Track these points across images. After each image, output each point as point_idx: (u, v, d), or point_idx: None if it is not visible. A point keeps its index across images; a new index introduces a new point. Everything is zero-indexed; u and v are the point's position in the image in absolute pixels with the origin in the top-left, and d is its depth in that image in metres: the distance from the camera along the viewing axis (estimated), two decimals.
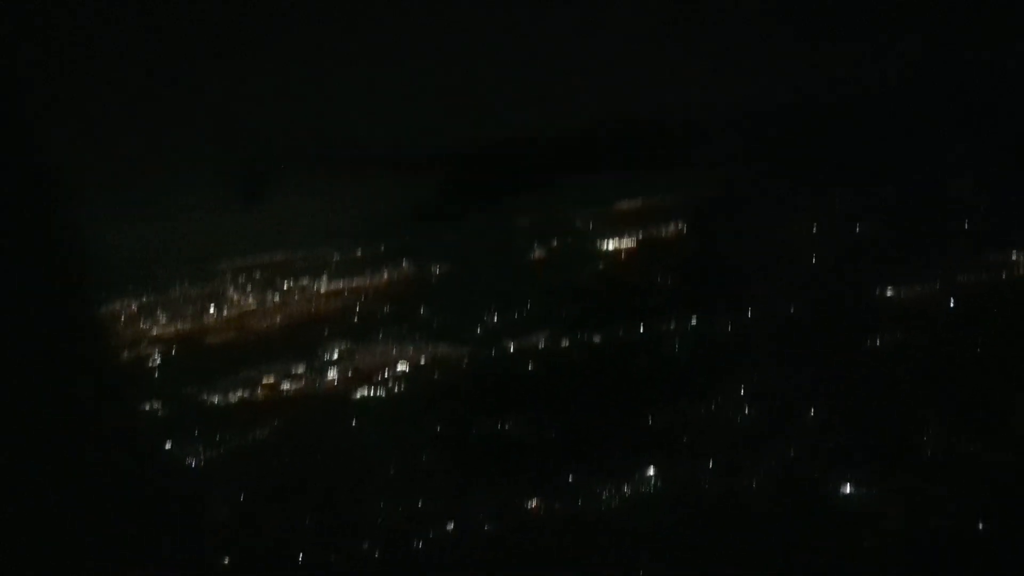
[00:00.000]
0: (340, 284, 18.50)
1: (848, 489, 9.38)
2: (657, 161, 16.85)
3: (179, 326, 16.65)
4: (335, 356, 14.17)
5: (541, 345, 13.90)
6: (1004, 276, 13.35)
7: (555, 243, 18.91)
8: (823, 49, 15.57)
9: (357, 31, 15.39)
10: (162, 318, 17.10)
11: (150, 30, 14.97)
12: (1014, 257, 13.63)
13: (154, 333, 16.32)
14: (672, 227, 18.58)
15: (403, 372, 13.38)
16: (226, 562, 9.42)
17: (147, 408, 12.29)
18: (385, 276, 18.58)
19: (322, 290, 18.21)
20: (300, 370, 13.70)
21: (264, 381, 13.34)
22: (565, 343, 13.95)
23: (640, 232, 18.66)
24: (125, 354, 14.98)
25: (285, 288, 18.49)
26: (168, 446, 11.23)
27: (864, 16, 15.04)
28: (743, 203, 16.28)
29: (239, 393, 13.05)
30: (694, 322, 13.88)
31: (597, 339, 13.93)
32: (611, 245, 18.62)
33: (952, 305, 12.95)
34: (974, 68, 15.35)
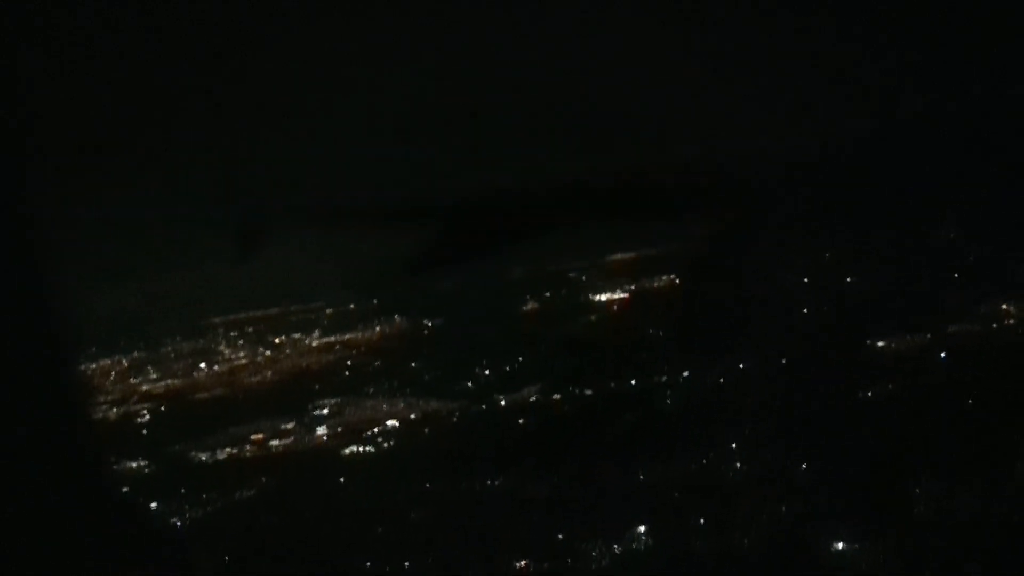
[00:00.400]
0: (332, 338, 18.45)
1: (841, 546, 9.27)
2: (651, 212, 16.83)
3: (169, 382, 16.59)
4: (325, 412, 14.09)
5: (533, 399, 13.83)
6: (995, 327, 13.34)
7: (548, 295, 18.90)
8: (813, 100, 15.65)
9: (348, 83, 15.48)
10: (153, 374, 17.05)
11: (140, 85, 15.06)
12: (1005, 307, 13.62)
13: (144, 389, 16.25)
14: (665, 278, 18.58)
15: (393, 428, 13.29)
16: None
17: (134, 466, 12.18)
18: (377, 330, 18.55)
19: (314, 344, 18.17)
20: (289, 426, 13.61)
21: (253, 437, 13.25)
22: (556, 396, 13.87)
23: (633, 283, 18.67)
24: (114, 411, 14.89)
25: (277, 342, 18.45)
26: (154, 505, 11.11)
27: (854, 67, 15.16)
28: (735, 253, 16.29)
29: (227, 450, 12.95)
30: (686, 374, 13.82)
31: (589, 392, 13.86)
32: (604, 296, 18.61)
33: (944, 356, 12.92)
34: (966, 119, 15.46)
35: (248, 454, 12.78)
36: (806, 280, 16.63)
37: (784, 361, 13.71)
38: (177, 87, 15.49)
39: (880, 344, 13.60)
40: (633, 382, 13.87)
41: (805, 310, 15.50)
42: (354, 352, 17.60)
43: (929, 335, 13.46)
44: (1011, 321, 13.39)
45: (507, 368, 15.13)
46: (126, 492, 10.92)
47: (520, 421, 13.21)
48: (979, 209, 15.51)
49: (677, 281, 18.25)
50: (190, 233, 16.32)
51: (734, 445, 11.30)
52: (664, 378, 13.76)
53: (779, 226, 15.97)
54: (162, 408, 14.93)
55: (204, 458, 12.69)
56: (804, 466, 10.53)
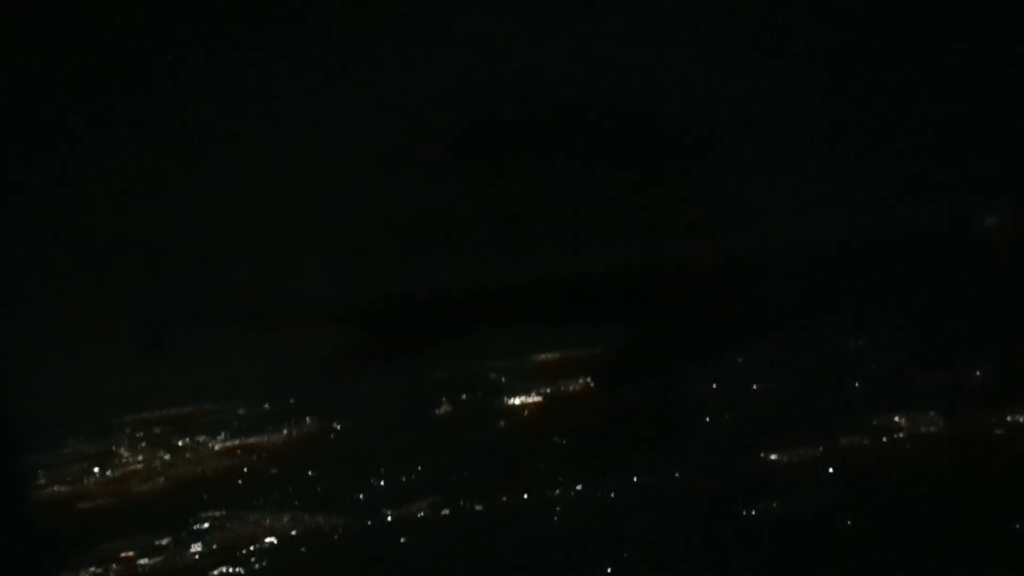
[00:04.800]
0: (237, 441, 17.98)
1: None
2: (574, 315, 16.68)
3: (56, 489, 16.03)
4: (206, 526, 13.60)
5: (421, 514, 13.44)
6: (885, 440, 13.25)
7: (464, 397, 18.60)
8: (732, 211, 15.67)
9: (262, 179, 15.29)
10: (42, 479, 16.46)
11: (51, 182, 14.83)
12: (897, 420, 13.53)
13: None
14: (581, 381, 18.39)
15: (270, 546, 12.82)
16: None
17: None
18: (285, 433, 18.11)
19: (216, 448, 17.70)
20: (164, 542, 13.12)
21: (123, 555, 12.73)
22: (445, 512, 13.50)
23: (549, 386, 18.45)
24: None
25: (180, 445, 17.95)
26: None
27: (780, 184, 15.21)
28: (651, 358, 16.13)
29: (91, 570, 12.40)
30: (579, 488, 13.53)
31: (479, 507, 13.50)
32: (518, 400, 18.34)
33: (832, 472, 12.77)
34: (875, 235, 15.53)
35: (112, 575, 12.24)
36: (715, 386, 16.51)
37: (677, 475, 13.48)
38: (91, 190, 15.26)
39: (773, 457, 13.44)
40: (525, 496, 13.54)
41: (708, 419, 15.33)
42: (254, 457, 17.14)
43: (821, 448, 13.33)
44: (900, 435, 13.32)
45: (403, 479, 14.76)
46: None
47: (402, 540, 12.79)
48: (888, 322, 15.51)
49: (592, 385, 18.05)
50: (112, 330, 15.92)
51: (609, 570, 10.96)
52: (557, 492, 13.45)
53: (696, 331, 15.85)
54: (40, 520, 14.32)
55: None
56: None
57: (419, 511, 13.50)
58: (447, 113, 14.80)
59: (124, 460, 17.36)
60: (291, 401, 19.02)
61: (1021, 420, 13.18)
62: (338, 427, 17.92)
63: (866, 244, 15.31)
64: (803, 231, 15.48)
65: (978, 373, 14.35)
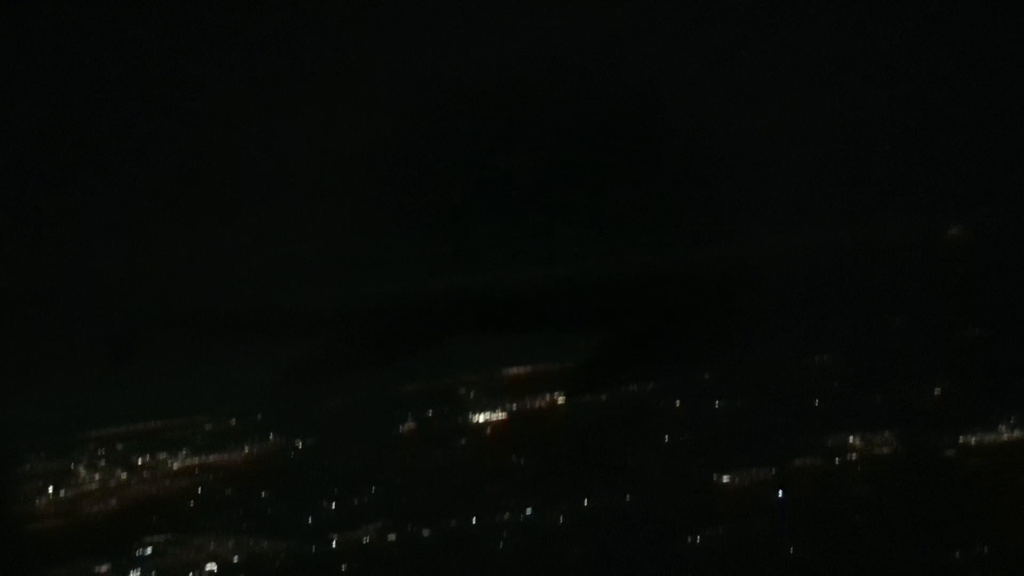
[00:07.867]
0: (196, 460, 17.75)
1: None
2: (546, 326, 16.55)
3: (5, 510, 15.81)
4: (148, 551, 13.40)
5: (366, 539, 13.24)
6: (837, 461, 13.03)
7: (430, 413, 18.38)
8: (702, 223, 15.56)
9: (231, 184, 15.17)
10: None
11: (17, 192, 14.73)
12: (851, 440, 13.31)
13: None
14: (549, 397, 18.16)
15: (209, 573, 12.60)
16: None
17: None
18: (246, 450, 17.87)
19: (174, 467, 17.46)
20: (104, 569, 12.90)
21: None
22: (392, 536, 13.30)
23: (515, 402, 18.23)
24: None
25: (139, 464, 17.72)
26: None
27: (749, 197, 15.13)
28: (620, 373, 15.98)
29: None
30: (529, 512, 13.33)
31: (426, 532, 13.28)
32: (483, 417, 18.11)
33: (780, 495, 12.54)
34: (837, 250, 15.41)
35: None
36: (678, 403, 16.32)
37: (628, 498, 13.29)
38: (50, 196, 15.12)
39: (724, 479, 13.22)
40: (474, 520, 13.33)
41: (667, 438, 15.14)
42: (211, 477, 16.91)
43: (773, 469, 13.11)
44: (854, 455, 13.11)
45: (355, 501, 14.55)
46: None
47: (343, 567, 12.59)
48: (855, 336, 15.35)
49: (559, 402, 17.86)
50: (82, 343, 15.80)
51: None
52: (506, 516, 13.24)
53: (667, 345, 15.68)
54: None
55: None
56: None
57: (365, 536, 13.31)
58: (425, 119, 14.61)
59: (80, 479, 17.14)
60: (257, 416, 18.77)
61: (972, 441, 12.96)
62: (300, 445, 17.68)
63: (833, 257, 15.12)
64: (777, 244, 15.31)
65: (937, 391, 14.14)
